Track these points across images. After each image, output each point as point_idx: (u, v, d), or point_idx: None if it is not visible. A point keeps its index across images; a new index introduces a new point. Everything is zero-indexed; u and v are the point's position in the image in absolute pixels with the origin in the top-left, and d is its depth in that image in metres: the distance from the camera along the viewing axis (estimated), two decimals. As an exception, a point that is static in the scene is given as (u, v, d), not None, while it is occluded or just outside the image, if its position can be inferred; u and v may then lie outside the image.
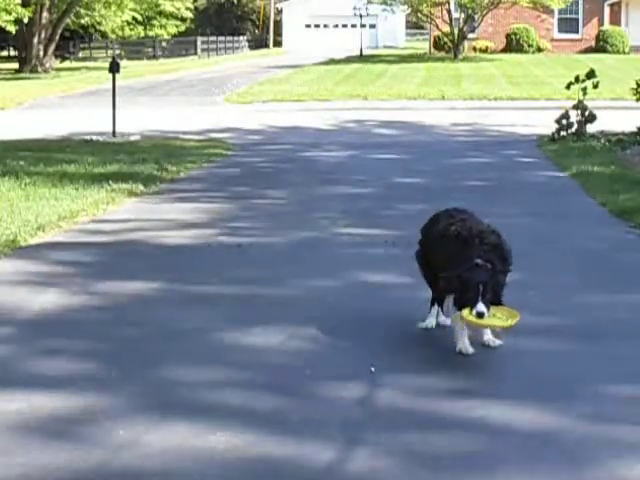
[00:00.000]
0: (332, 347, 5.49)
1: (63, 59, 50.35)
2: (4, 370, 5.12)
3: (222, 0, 75.70)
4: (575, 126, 16.07)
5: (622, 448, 4.11)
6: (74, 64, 49.62)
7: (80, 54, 56.93)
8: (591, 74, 16.48)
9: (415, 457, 4.05)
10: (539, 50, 49.83)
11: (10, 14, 34.72)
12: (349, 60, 46.50)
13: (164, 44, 60.58)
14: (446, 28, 44.61)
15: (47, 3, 40.38)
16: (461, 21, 44.92)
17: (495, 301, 5.18)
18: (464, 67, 37.87)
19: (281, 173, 13.02)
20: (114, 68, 16.87)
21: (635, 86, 16.79)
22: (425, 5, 44.83)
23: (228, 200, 10.63)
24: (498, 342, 5.43)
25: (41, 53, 41.97)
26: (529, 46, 49.88)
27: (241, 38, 70.40)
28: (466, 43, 46.87)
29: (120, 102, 18.57)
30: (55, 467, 3.96)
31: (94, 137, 16.81)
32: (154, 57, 56.61)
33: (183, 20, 61.45)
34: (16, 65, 43.63)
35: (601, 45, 48.98)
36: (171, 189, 11.52)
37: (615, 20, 50.86)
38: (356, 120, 20.52)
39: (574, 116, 16.11)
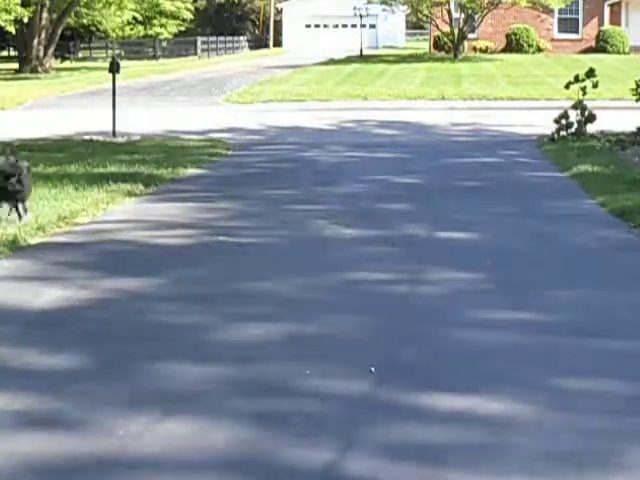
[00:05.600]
0: (332, 346, 5.50)
1: (63, 59, 50.31)
2: (4, 368, 5.13)
3: (222, 0, 75.67)
4: (575, 126, 16.07)
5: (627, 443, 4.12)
6: (74, 64, 49.58)
7: (80, 54, 56.91)
8: (590, 73, 16.48)
9: (415, 456, 4.06)
10: (539, 50, 49.80)
11: (10, 14, 34.70)
12: (349, 60, 46.49)
13: (164, 44, 60.56)
14: (446, 28, 44.57)
15: (47, 3, 40.35)
16: (461, 21, 44.88)
17: None
18: (464, 67, 37.86)
19: (281, 173, 13.03)
20: (114, 68, 16.86)
21: (635, 86, 16.78)
22: (425, 5, 44.78)
23: (228, 200, 10.63)
24: None
25: (41, 53, 41.93)
26: (529, 46, 49.85)
27: (241, 38, 70.37)
28: (466, 43, 46.83)
29: (120, 102, 18.58)
30: (56, 456, 3.98)
31: (94, 137, 16.80)
32: (154, 57, 56.58)
33: (183, 20, 61.43)
34: (16, 65, 43.58)
35: (601, 45, 48.94)
36: (171, 189, 11.52)
37: (615, 20, 50.82)
38: (356, 120, 20.52)
39: (574, 116, 16.11)
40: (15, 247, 8.06)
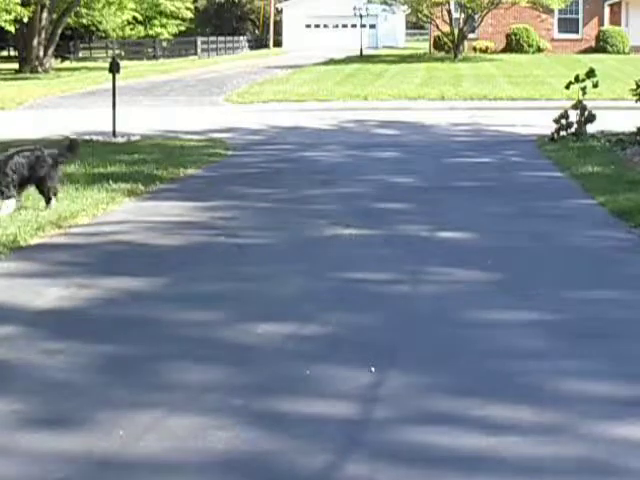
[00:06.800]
0: (332, 347, 5.50)
1: (63, 59, 50.34)
2: (4, 369, 5.13)
3: (222, 0, 75.67)
4: (575, 126, 16.07)
5: (622, 446, 4.12)
6: (74, 64, 49.61)
7: (80, 54, 56.94)
8: (591, 73, 16.48)
9: (414, 458, 4.06)
10: (539, 50, 49.81)
11: (10, 14, 34.70)
12: (349, 60, 46.48)
13: (164, 44, 60.57)
14: (446, 28, 44.58)
15: (47, 3, 40.36)
16: (461, 21, 44.88)
17: None
18: (464, 67, 37.86)
19: (281, 173, 13.02)
20: (114, 68, 16.86)
21: (635, 86, 16.78)
22: (425, 5, 44.77)
23: (228, 200, 10.63)
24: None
25: (41, 53, 41.95)
26: (529, 46, 49.86)
27: (241, 38, 70.36)
28: (466, 43, 46.83)
29: (120, 102, 18.58)
30: (56, 456, 3.98)
31: (94, 137, 16.80)
32: (154, 57, 56.59)
33: (183, 20, 61.43)
34: (16, 65, 43.62)
35: (601, 45, 48.95)
36: (171, 189, 11.52)
37: (615, 20, 50.84)
38: (356, 120, 20.52)
39: (574, 116, 16.12)
40: (15, 247, 8.06)
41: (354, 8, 54.45)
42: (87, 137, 16.89)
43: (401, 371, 5.08)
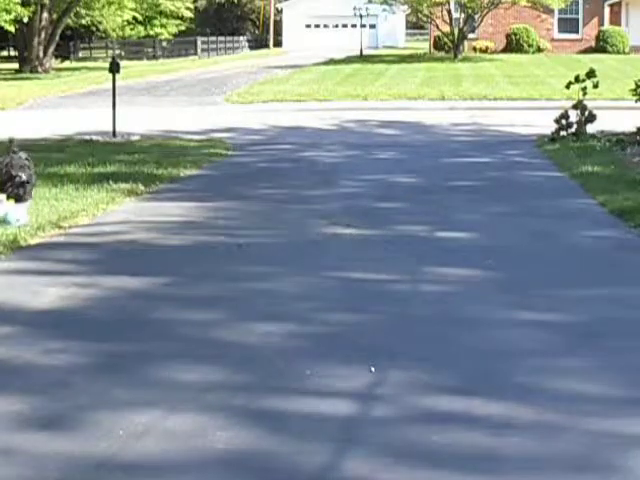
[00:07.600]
0: (332, 347, 5.50)
1: (63, 59, 50.34)
2: (4, 369, 5.13)
3: (222, 0, 75.67)
4: (575, 126, 16.07)
5: (628, 443, 4.12)
6: (74, 64, 49.61)
7: (80, 54, 56.94)
8: (591, 74, 16.49)
9: (415, 456, 4.06)
10: (539, 50, 49.82)
11: (10, 14, 34.70)
12: (349, 60, 46.47)
13: (164, 44, 60.58)
14: (446, 28, 44.57)
15: (47, 3, 40.36)
16: (461, 21, 44.88)
17: None
18: (464, 67, 37.86)
19: (281, 173, 13.02)
20: (114, 68, 16.87)
21: (634, 86, 16.78)
22: (425, 5, 44.76)
23: (228, 200, 10.63)
24: None
25: (41, 53, 41.95)
26: (529, 46, 49.87)
27: (241, 38, 70.38)
28: (466, 43, 46.84)
29: (120, 102, 18.58)
30: (55, 456, 3.98)
31: (94, 137, 16.80)
32: (154, 57, 56.60)
33: (183, 20, 61.42)
34: (16, 65, 43.63)
35: (601, 45, 48.95)
36: (171, 189, 11.52)
37: (615, 20, 50.84)
38: (356, 120, 20.51)
39: (574, 116, 16.12)
40: (15, 247, 8.06)
41: (354, 8, 54.46)
42: (87, 137, 16.91)
43: (401, 370, 5.08)
